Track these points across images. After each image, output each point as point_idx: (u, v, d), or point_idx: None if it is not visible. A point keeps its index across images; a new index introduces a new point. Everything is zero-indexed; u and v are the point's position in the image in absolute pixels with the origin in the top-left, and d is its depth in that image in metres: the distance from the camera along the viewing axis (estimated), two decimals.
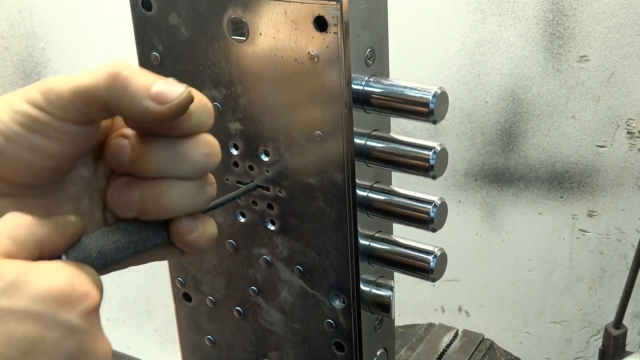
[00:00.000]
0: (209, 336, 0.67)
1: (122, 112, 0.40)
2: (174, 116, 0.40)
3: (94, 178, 0.45)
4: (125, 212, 0.43)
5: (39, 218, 0.39)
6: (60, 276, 0.36)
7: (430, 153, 0.50)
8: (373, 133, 0.53)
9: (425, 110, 0.49)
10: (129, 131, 0.42)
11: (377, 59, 0.51)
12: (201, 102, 0.42)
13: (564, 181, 1.27)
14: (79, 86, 0.39)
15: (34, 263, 0.36)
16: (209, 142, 0.43)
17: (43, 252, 0.38)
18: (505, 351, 0.95)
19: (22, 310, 0.34)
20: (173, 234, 0.44)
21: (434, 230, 0.53)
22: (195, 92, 0.42)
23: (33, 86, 0.40)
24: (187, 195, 0.43)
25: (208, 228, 0.45)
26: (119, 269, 0.44)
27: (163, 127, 0.41)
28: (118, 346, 1.27)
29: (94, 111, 0.40)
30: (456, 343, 0.94)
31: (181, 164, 0.42)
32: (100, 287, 0.39)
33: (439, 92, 0.49)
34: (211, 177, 0.44)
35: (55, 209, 0.43)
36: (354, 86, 0.50)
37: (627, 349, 1.04)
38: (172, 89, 0.40)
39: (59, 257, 0.39)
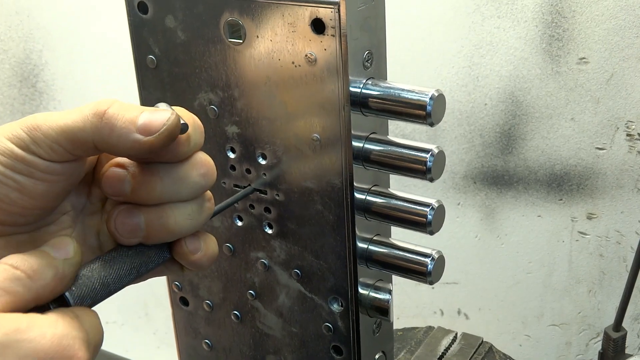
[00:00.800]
0: (207, 340, 0.66)
1: (111, 150, 0.40)
2: (164, 144, 0.39)
3: (88, 203, 0.44)
4: (130, 239, 0.42)
5: (37, 266, 0.37)
6: (49, 335, 0.35)
7: (428, 156, 0.50)
8: (371, 136, 0.52)
9: (422, 112, 0.48)
10: (124, 160, 0.41)
11: (374, 61, 0.51)
12: (194, 122, 0.41)
13: (563, 183, 1.26)
14: (66, 126, 0.38)
15: (26, 317, 0.35)
16: (204, 161, 0.42)
17: (41, 299, 0.38)
18: (504, 354, 0.95)
19: None
20: (177, 255, 0.44)
21: (431, 232, 0.52)
22: (185, 113, 0.41)
23: (18, 123, 0.39)
24: (190, 216, 0.42)
25: (210, 246, 0.45)
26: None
27: (163, 155, 0.40)
28: (116, 349, 1.27)
29: (81, 150, 0.39)
30: (455, 346, 0.94)
31: (183, 187, 0.42)
32: (96, 338, 0.38)
33: (436, 94, 0.48)
34: (209, 192, 0.44)
35: (48, 240, 0.42)
36: (351, 89, 0.50)
37: (626, 351, 1.03)
38: (158, 117, 0.39)
39: (62, 295, 0.39)
